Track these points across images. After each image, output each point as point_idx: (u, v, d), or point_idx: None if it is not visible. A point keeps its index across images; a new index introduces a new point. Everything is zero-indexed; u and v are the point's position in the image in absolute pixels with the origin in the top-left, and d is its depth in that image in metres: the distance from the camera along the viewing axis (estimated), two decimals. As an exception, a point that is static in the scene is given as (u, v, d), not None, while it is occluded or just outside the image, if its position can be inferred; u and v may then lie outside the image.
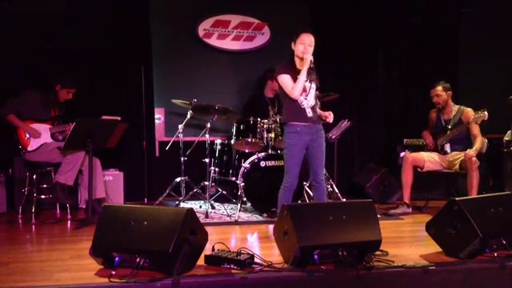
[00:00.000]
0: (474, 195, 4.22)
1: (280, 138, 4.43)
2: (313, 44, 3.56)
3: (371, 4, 5.82)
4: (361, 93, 5.95)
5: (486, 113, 4.23)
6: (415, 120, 5.66)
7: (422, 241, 3.45)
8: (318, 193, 3.68)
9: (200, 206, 4.73)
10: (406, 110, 5.98)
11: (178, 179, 4.87)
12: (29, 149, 4.30)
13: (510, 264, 2.74)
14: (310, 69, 3.52)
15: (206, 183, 4.57)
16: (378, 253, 2.84)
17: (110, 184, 4.84)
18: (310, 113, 3.59)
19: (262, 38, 5.79)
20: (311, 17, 5.80)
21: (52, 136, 4.40)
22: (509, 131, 4.95)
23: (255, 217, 4.39)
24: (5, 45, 4.80)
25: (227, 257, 2.67)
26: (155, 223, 2.55)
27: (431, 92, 4.65)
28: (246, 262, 2.64)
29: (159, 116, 5.58)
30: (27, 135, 4.31)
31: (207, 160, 4.56)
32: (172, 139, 4.90)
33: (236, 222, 4.15)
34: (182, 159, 4.87)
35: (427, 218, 3.22)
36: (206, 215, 4.35)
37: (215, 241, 2.93)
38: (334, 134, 5.03)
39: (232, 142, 4.65)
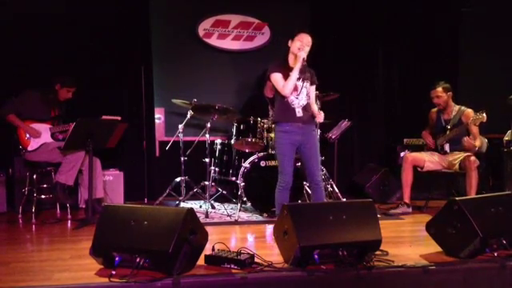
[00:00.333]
0: (473, 195, 4.23)
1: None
2: (310, 45, 3.59)
3: (371, 4, 5.82)
4: (361, 93, 5.95)
5: (484, 115, 4.21)
6: (415, 120, 5.65)
7: (422, 241, 3.45)
8: (317, 194, 3.67)
9: (200, 206, 4.73)
10: (406, 110, 5.98)
11: (178, 179, 4.87)
12: (29, 149, 4.30)
13: (510, 264, 2.74)
14: (302, 67, 3.53)
15: (206, 183, 4.57)
16: (378, 253, 2.84)
17: (110, 184, 4.84)
18: (299, 112, 3.58)
19: (262, 37, 5.79)
20: (311, 17, 5.81)
21: (52, 136, 4.40)
22: (509, 131, 4.96)
23: (255, 217, 4.39)
24: (5, 45, 4.80)
25: (227, 257, 2.67)
26: (155, 223, 2.55)
27: (431, 93, 4.64)
28: (246, 261, 2.64)
29: (159, 116, 5.59)
30: (27, 135, 4.31)
31: (207, 160, 4.56)
32: (172, 139, 4.90)
33: (236, 222, 4.15)
34: (182, 159, 4.87)
35: (427, 217, 3.22)
36: (206, 215, 4.35)
37: (215, 241, 2.93)
38: (334, 133, 5.03)
39: (232, 141, 4.65)
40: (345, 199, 4.80)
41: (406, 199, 4.59)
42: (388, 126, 6.02)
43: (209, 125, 4.57)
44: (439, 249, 3.02)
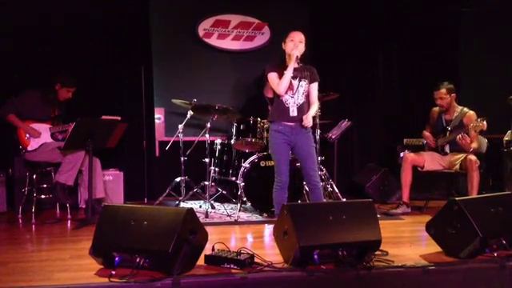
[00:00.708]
0: (474, 195, 4.22)
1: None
2: (303, 41, 3.60)
3: (371, 4, 5.82)
4: (361, 93, 5.94)
5: (484, 123, 4.18)
6: (415, 120, 5.67)
7: (422, 241, 3.46)
8: (315, 195, 3.66)
9: (200, 206, 4.73)
10: (406, 110, 5.98)
11: (178, 179, 4.87)
12: (29, 148, 4.30)
13: (510, 264, 2.73)
14: (299, 66, 3.52)
15: (206, 183, 4.56)
16: (377, 253, 2.84)
17: (110, 184, 4.84)
18: (294, 111, 3.58)
19: (262, 37, 5.79)
20: (311, 17, 5.81)
21: (52, 136, 4.40)
22: (509, 131, 4.96)
23: (255, 216, 4.39)
24: (5, 45, 4.80)
25: (227, 257, 2.67)
26: (155, 223, 2.55)
27: (435, 94, 4.59)
28: (245, 261, 2.64)
29: (159, 116, 5.58)
30: (27, 135, 4.31)
31: (207, 160, 4.56)
32: (172, 139, 4.90)
33: (236, 222, 4.15)
34: (182, 159, 4.87)
35: (427, 217, 3.22)
36: (206, 215, 4.35)
37: (215, 241, 2.93)
38: (334, 133, 5.03)
39: (232, 141, 4.65)
40: (345, 199, 4.80)
41: (406, 199, 4.59)
42: (388, 126, 6.01)
43: (209, 125, 4.57)
44: (439, 249, 3.02)
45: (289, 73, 3.51)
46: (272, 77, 3.61)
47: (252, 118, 4.57)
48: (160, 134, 5.58)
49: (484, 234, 2.75)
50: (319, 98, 4.61)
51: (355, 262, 2.63)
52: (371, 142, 6.02)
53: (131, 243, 2.54)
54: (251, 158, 4.49)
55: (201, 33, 5.64)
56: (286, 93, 3.56)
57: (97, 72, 5.09)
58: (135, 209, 2.74)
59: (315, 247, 2.61)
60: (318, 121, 4.73)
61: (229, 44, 5.73)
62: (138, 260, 2.49)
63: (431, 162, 4.61)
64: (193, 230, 2.57)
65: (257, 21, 5.78)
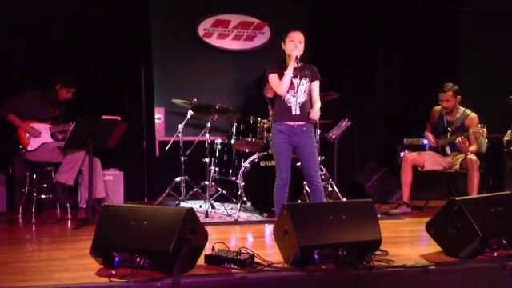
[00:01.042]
0: (474, 195, 4.22)
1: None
2: (303, 41, 3.60)
3: (371, 4, 5.82)
4: (361, 93, 5.94)
5: (484, 130, 4.18)
6: (415, 120, 5.64)
7: (422, 241, 3.46)
8: (316, 195, 3.67)
9: (200, 206, 4.73)
10: (406, 110, 5.98)
11: (178, 179, 4.87)
12: (29, 148, 4.30)
13: (509, 264, 2.74)
14: (300, 65, 3.53)
15: (206, 183, 4.57)
16: (378, 252, 2.84)
17: (110, 184, 4.84)
18: (296, 110, 3.58)
19: (262, 37, 5.79)
20: (311, 17, 5.81)
21: (52, 135, 4.40)
22: (509, 131, 4.95)
23: (255, 216, 4.40)
24: (5, 45, 4.80)
25: (227, 256, 2.67)
26: (155, 223, 2.55)
27: (440, 96, 4.55)
28: (246, 261, 2.64)
29: (159, 116, 5.59)
30: (27, 135, 4.31)
31: (207, 160, 4.56)
32: (172, 139, 4.90)
33: (236, 222, 4.15)
34: (182, 159, 4.87)
35: (427, 217, 3.22)
36: (206, 215, 4.35)
37: (215, 240, 2.93)
38: (334, 133, 5.03)
39: (232, 141, 4.65)
40: (345, 199, 4.80)
41: (406, 199, 4.59)
42: (388, 126, 6.01)
43: (209, 125, 4.57)
44: (439, 249, 3.02)
45: (289, 73, 3.51)
46: (272, 78, 3.62)
47: (252, 117, 4.57)
48: (160, 134, 5.58)
49: (484, 234, 2.75)
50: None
51: (355, 262, 2.62)
52: (371, 142, 6.02)
53: (131, 243, 2.54)
54: (251, 158, 4.49)
55: (201, 33, 5.64)
56: (288, 92, 3.56)
57: (97, 72, 5.09)
58: (135, 209, 2.74)
59: (315, 247, 2.61)
60: (318, 121, 4.73)
61: (229, 44, 5.73)
62: (138, 260, 2.49)
63: (431, 161, 4.61)
64: (193, 229, 2.57)
65: (257, 21, 5.78)
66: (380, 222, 2.82)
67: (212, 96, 5.22)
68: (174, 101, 4.88)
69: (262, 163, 4.44)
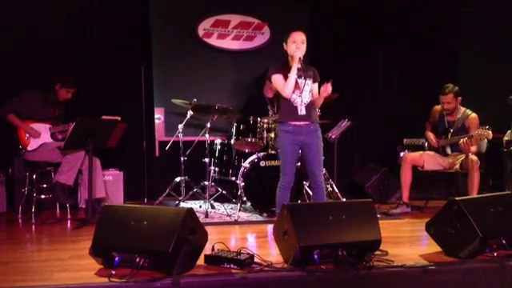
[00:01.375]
0: (474, 195, 4.22)
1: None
2: (305, 41, 3.58)
3: (371, 4, 5.82)
4: (361, 93, 5.94)
5: (490, 132, 4.16)
6: (415, 120, 5.65)
7: (422, 241, 3.46)
8: (318, 194, 3.66)
9: (200, 206, 4.73)
10: (406, 110, 5.97)
11: (177, 179, 4.87)
12: (29, 148, 4.30)
13: (509, 264, 2.74)
14: (303, 66, 3.52)
15: (206, 183, 4.57)
16: (377, 252, 2.84)
17: (110, 184, 4.84)
18: (302, 110, 3.56)
19: (262, 37, 5.79)
20: (311, 17, 5.81)
21: (52, 136, 4.40)
22: (509, 131, 4.95)
23: (255, 216, 4.39)
24: (5, 45, 4.80)
25: (227, 256, 2.67)
26: (155, 223, 2.55)
27: (442, 98, 4.53)
28: (245, 261, 2.64)
29: (159, 116, 5.58)
30: (27, 135, 4.31)
31: (207, 160, 4.56)
32: (172, 139, 4.90)
33: (236, 222, 4.15)
34: (182, 159, 4.87)
35: (427, 217, 3.22)
36: (206, 215, 4.35)
37: (215, 240, 2.93)
38: (334, 133, 5.03)
39: (232, 141, 4.65)
40: (345, 199, 4.80)
41: (405, 199, 4.59)
42: (388, 126, 6.01)
43: (209, 125, 4.57)
44: (439, 249, 3.02)
45: (293, 75, 3.50)
46: (276, 78, 3.60)
47: (252, 117, 4.57)
48: (160, 134, 5.58)
49: (484, 234, 2.76)
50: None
51: (355, 262, 2.63)
52: (371, 142, 6.02)
53: (131, 243, 2.54)
54: (251, 158, 4.49)
55: (201, 33, 5.64)
56: (294, 92, 3.55)
57: (97, 72, 5.08)
58: (135, 209, 2.75)
59: (315, 247, 2.61)
60: (317, 121, 4.72)
61: (229, 44, 5.73)
62: (137, 260, 2.49)
63: (431, 161, 4.60)
64: (193, 229, 2.57)
65: (257, 21, 5.78)
66: (380, 222, 2.82)
67: (212, 96, 5.21)
68: (174, 101, 4.88)
69: (262, 163, 4.44)
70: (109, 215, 2.70)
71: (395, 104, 6.04)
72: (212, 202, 4.78)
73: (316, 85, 3.69)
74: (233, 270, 2.61)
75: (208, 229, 2.83)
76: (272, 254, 2.91)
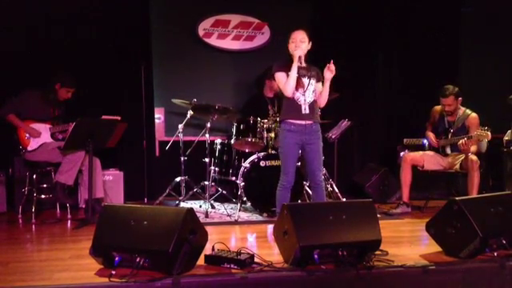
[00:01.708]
0: (474, 195, 4.22)
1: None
2: (305, 40, 3.58)
3: (371, 4, 5.82)
4: (361, 93, 5.94)
5: (489, 133, 4.15)
6: (415, 120, 5.65)
7: (422, 240, 3.46)
8: (318, 194, 3.67)
9: (200, 206, 4.73)
10: (406, 110, 5.98)
11: (177, 179, 4.87)
12: (29, 148, 4.29)
13: (509, 264, 2.74)
14: (307, 65, 3.51)
15: (206, 183, 4.57)
16: (377, 252, 2.84)
17: (110, 184, 4.84)
18: (305, 109, 3.56)
19: (262, 37, 5.79)
20: (311, 17, 5.81)
21: (52, 136, 4.40)
22: (509, 131, 4.95)
23: (255, 216, 4.39)
24: (5, 45, 4.80)
25: (227, 256, 2.67)
26: (155, 223, 2.55)
27: (442, 100, 4.53)
28: (246, 261, 2.64)
29: (159, 116, 5.59)
30: (27, 135, 4.31)
31: (207, 160, 4.56)
32: (172, 139, 4.90)
33: (236, 222, 4.15)
34: (182, 159, 4.87)
35: (427, 217, 3.22)
36: (206, 215, 4.35)
37: (215, 240, 2.93)
38: (334, 133, 5.03)
39: (232, 141, 4.65)
40: (345, 199, 4.80)
41: (405, 199, 4.59)
42: (388, 126, 6.01)
43: (209, 125, 4.57)
44: (439, 249, 3.02)
45: (293, 74, 3.50)
46: (280, 76, 3.60)
47: (252, 117, 4.56)
48: (160, 134, 5.58)
49: (484, 234, 2.76)
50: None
51: (355, 262, 2.63)
52: (371, 142, 6.02)
53: (131, 243, 2.54)
54: (251, 158, 4.49)
55: (201, 33, 5.64)
56: (298, 90, 3.54)
57: (97, 72, 5.08)
58: (135, 209, 2.75)
59: (315, 247, 2.61)
60: (319, 121, 4.72)
61: (229, 44, 5.73)
62: (137, 260, 2.49)
63: (431, 161, 4.61)
64: (193, 229, 2.57)
65: (257, 20, 5.78)
66: (380, 221, 2.82)
67: (212, 96, 5.21)
68: (174, 101, 4.88)
69: (262, 163, 4.44)
70: (109, 215, 2.70)
71: (395, 104, 6.04)
72: (212, 201, 4.78)
73: (320, 84, 3.69)
74: (233, 270, 2.61)
75: (208, 229, 2.83)
76: (272, 254, 2.91)
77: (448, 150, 4.61)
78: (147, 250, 2.49)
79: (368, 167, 5.74)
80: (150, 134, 5.39)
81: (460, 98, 4.54)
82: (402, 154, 5.26)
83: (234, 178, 4.66)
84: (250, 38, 5.78)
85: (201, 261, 2.70)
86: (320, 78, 3.68)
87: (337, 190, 4.92)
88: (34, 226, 4.02)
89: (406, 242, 3.46)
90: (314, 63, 3.80)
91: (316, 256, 2.62)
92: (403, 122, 5.92)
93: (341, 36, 5.79)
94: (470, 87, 5.73)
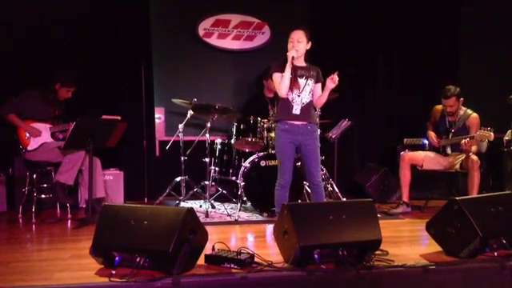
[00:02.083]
0: (474, 195, 4.22)
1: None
2: (302, 40, 3.55)
3: (371, 4, 5.82)
4: (361, 93, 5.94)
5: (491, 133, 4.14)
6: (415, 120, 5.65)
7: (422, 240, 3.46)
8: (316, 195, 3.67)
9: (200, 206, 4.73)
10: (406, 110, 5.97)
11: (178, 179, 4.87)
12: (29, 148, 4.29)
13: (509, 264, 2.74)
14: (306, 65, 3.51)
15: (206, 183, 4.57)
16: (378, 252, 2.84)
17: (110, 183, 4.84)
18: (297, 110, 3.56)
19: (262, 37, 5.79)
20: (311, 17, 5.80)
21: (52, 135, 4.40)
22: (509, 131, 4.96)
23: (255, 216, 4.40)
24: (5, 45, 4.80)
25: (227, 256, 2.67)
26: (155, 223, 2.55)
27: (444, 102, 4.53)
28: (246, 261, 2.64)
29: (159, 115, 5.59)
30: (27, 134, 4.31)
31: (207, 159, 4.56)
32: (172, 139, 4.90)
33: (236, 222, 4.15)
34: (182, 159, 4.87)
35: (427, 217, 3.23)
36: (206, 215, 4.35)
37: (215, 240, 2.93)
38: (334, 133, 5.03)
39: (232, 141, 4.65)
40: (345, 199, 4.80)
41: (405, 198, 4.59)
42: (388, 126, 6.01)
43: (209, 124, 4.57)
44: (439, 248, 3.02)
45: (286, 75, 3.49)
46: (276, 77, 3.61)
47: (252, 117, 4.57)
48: (160, 134, 5.58)
49: (484, 234, 2.76)
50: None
51: (355, 262, 2.63)
52: (371, 142, 6.02)
53: (131, 243, 2.54)
54: (251, 158, 4.49)
55: (201, 32, 5.64)
56: (293, 91, 3.55)
57: (97, 72, 5.08)
58: (135, 208, 2.75)
59: (315, 247, 2.61)
60: (318, 120, 4.73)
61: (229, 44, 5.73)
62: (138, 260, 2.49)
63: (431, 161, 4.61)
64: (193, 229, 2.57)
65: (257, 20, 5.78)
66: (380, 221, 2.82)
67: (212, 96, 5.21)
68: (174, 101, 4.88)
69: (262, 163, 4.44)
70: (109, 215, 2.70)
71: (395, 104, 6.03)
72: (212, 201, 4.78)
73: (319, 85, 3.69)
74: (233, 270, 2.61)
75: (208, 228, 2.83)
76: (272, 254, 2.91)
77: (449, 150, 4.61)
78: (147, 249, 2.50)
79: (368, 167, 5.74)
80: (150, 134, 5.39)
81: (462, 99, 4.54)
82: (402, 153, 5.26)
83: (234, 178, 4.67)
84: (250, 37, 5.78)
85: (201, 260, 2.70)
86: (320, 79, 3.68)
87: (337, 189, 4.92)
88: (34, 226, 4.02)
89: (406, 241, 3.46)
90: (314, 63, 3.80)
91: (316, 256, 2.62)
92: (403, 121, 5.92)
93: (341, 36, 5.79)
94: (470, 87, 5.72)
